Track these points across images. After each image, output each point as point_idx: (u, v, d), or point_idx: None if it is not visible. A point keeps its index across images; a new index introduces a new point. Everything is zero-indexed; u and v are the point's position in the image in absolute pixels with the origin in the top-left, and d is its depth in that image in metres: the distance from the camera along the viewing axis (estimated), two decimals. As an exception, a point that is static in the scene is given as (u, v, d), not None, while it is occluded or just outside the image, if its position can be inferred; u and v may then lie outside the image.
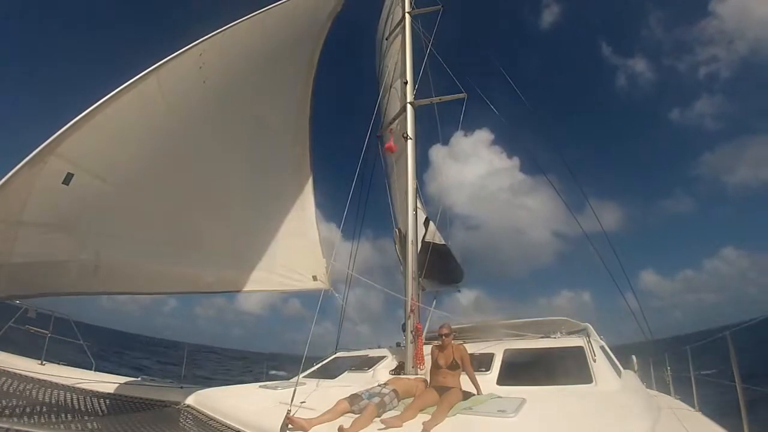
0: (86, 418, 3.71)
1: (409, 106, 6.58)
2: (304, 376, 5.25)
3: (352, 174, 5.60)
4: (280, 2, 4.78)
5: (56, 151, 3.03)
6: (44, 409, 3.62)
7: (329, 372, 5.72)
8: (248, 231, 5.50)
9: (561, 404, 3.43)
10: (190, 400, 4.39)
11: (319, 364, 6.15)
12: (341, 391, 3.81)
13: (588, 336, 4.70)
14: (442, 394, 3.58)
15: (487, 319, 6.48)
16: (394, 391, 3.71)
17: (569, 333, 5.17)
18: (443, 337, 4.19)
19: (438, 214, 7.49)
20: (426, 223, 7.36)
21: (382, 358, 5.64)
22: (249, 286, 5.54)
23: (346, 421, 3.15)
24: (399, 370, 5.19)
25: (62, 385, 4.59)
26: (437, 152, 9.60)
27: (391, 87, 7.55)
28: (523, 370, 4.33)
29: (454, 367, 4.00)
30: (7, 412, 3.32)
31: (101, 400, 4.32)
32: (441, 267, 7.30)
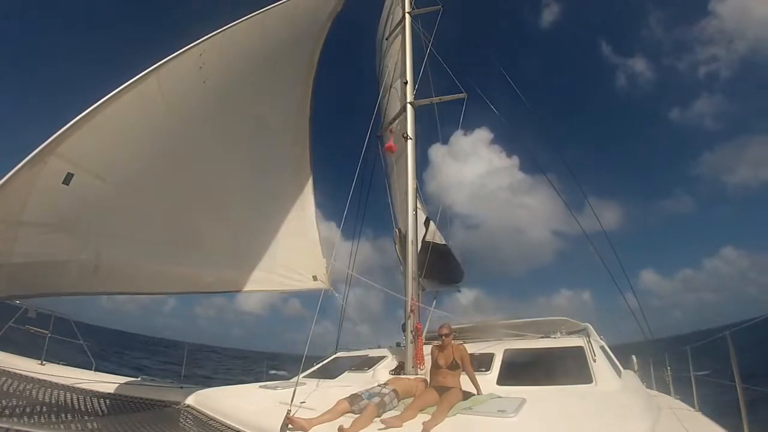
0: (86, 418, 3.71)
1: (409, 106, 6.58)
2: (304, 376, 5.25)
3: (352, 174, 5.61)
4: (280, 2, 4.78)
5: (56, 151, 3.04)
6: (44, 409, 3.62)
7: (329, 372, 5.72)
8: (248, 231, 5.49)
9: (561, 404, 3.43)
10: (190, 400, 4.39)
11: (319, 364, 6.15)
12: (341, 391, 3.81)
13: (588, 336, 4.70)
14: (442, 394, 3.58)
15: (487, 319, 6.48)
16: (394, 391, 3.71)
17: (569, 333, 5.17)
18: (443, 337, 4.19)
19: (438, 213, 7.50)
20: (426, 223, 7.37)
21: (382, 358, 5.64)
22: (249, 286, 5.54)
23: (346, 421, 3.15)
24: (399, 370, 5.19)
25: (62, 385, 4.59)
26: (437, 152, 9.61)
27: (391, 87, 7.55)
28: (523, 370, 4.32)
29: (454, 367, 4.00)
30: (7, 412, 3.32)
31: (101, 400, 4.32)
32: (441, 267, 7.30)
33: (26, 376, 4.61)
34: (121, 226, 3.94)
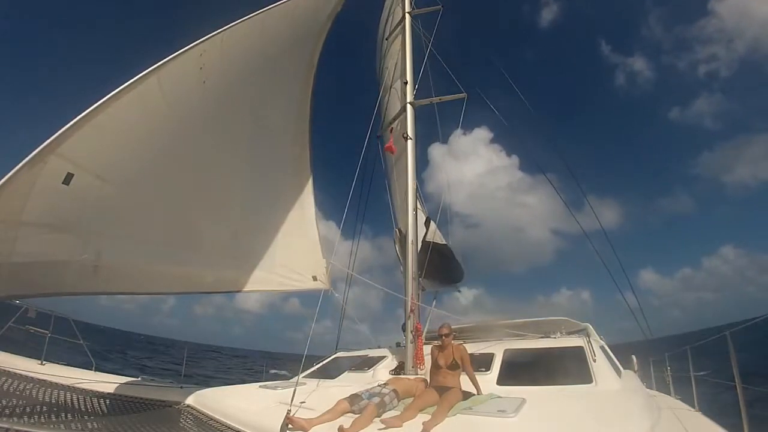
0: (86, 418, 3.71)
1: (409, 106, 6.59)
2: (304, 376, 5.25)
3: (352, 174, 5.62)
4: (280, 2, 4.78)
5: (56, 150, 3.03)
6: (44, 409, 3.62)
7: (329, 372, 5.72)
8: (248, 231, 5.49)
9: (561, 404, 3.43)
10: (190, 400, 4.39)
11: (319, 364, 6.15)
12: (341, 391, 3.81)
13: (588, 336, 4.70)
14: (442, 394, 3.58)
15: (487, 319, 6.48)
16: (394, 391, 3.71)
17: (569, 333, 5.17)
18: (443, 337, 4.19)
19: (438, 213, 7.50)
20: (427, 223, 7.37)
21: (382, 358, 5.64)
22: (249, 286, 5.55)
23: (346, 421, 3.16)
24: (399, 370, 5.19)
25: (62, 385, 4.59)
26: (437, 151, 9.62)
27: (391, 87, 7.55)
28: (523, 370, 4.32)
29: (454, 367, 4.00)
30: (7, 412, 3.31)
31: (101, 400, 4.32)
32: (441, 267, 7.30)
33: (26, 376, 4.61)
34: (121, 226, 3.94)
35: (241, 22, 4.27)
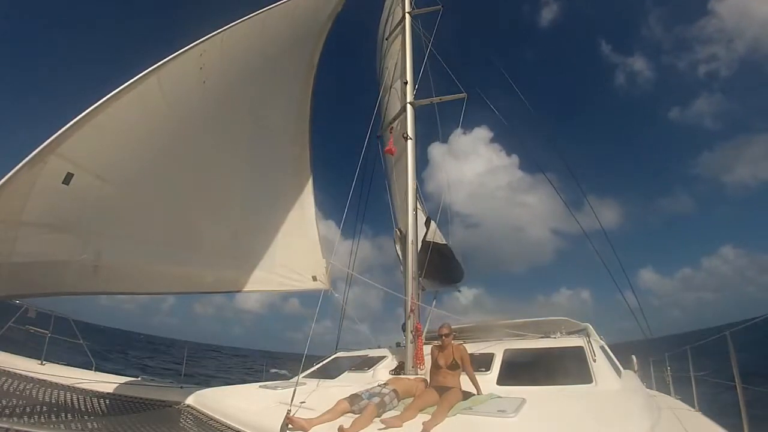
0: (86, 418, 3.71)
1: (409, 106, 6.59)
2: (304, 376, 5.25)
3: (352, 174, 5.62)
4: (280, 2, 4.78)
5: (56, 150, 3.03)
6: (44, 409, 3.62)
7: (329, 372, 5.72)
8: (248, 231, 5.49)
9: (561, 404, 3.43)
10: (190, 400, 4.39)
11: (319, 364, 6.15)
12: (341, 391, 3.81)
13: (588, 336, 4.70)
14: (442, 394, 3.58)
15: (487, 319, 6.48)
16: (394, 391, 3.71)
17: (569, 333, 5.17)
18: (443, 337, 4.19)
19: (438, 212, 7.50)
20: (427, 223, 7.37)
21: (382, 358, 5.64)
22: (249, 286, 5.55)
23: (346, 421, 3.16)
24: (399, 370, 5.19)
25: (62, 385, 4.59)
26: (437, 150, 9.62)
27: (391, 87, 7.55)
28: (523, 370, 4.32)
29: (454, 367, 4.00)
30: (7, 412, 3.31)
31: (101, 400, 4.32)
32: (441, 266, 7.30)
33: (26, 376, 4.61)
34: (121, 226, 3.94)
35: (241, 22, 4.27)
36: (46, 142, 2.96)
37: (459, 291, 8.37)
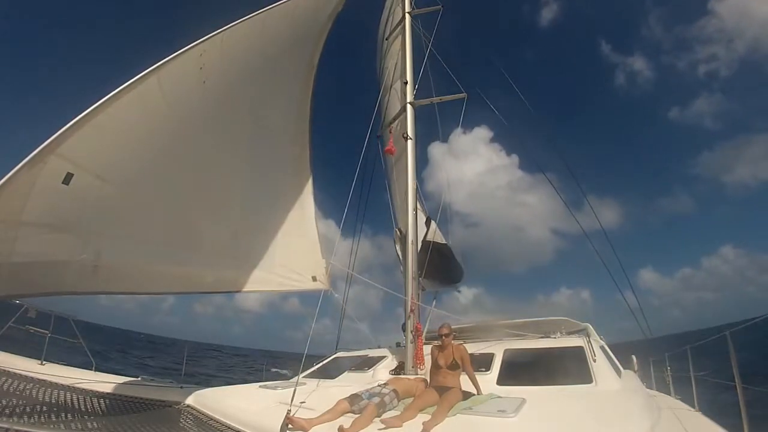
0: (86, 418, 3.71)
1: (409, 106, 6.59)
2: (304, 376, 5.25)
3: (352, 174, 5.62)
4: (280, 2, 4.78)
5: (56, 151, 3.03)
6: (44, 409, 3.62)
7: (329, 372, 5.72)
8: (248, 231, 5.49)
9: (561, 404, 3.43)
10: (190, 400, 4.40)
11: (319, 364, 6.15)
12: (341, 391, 3.81)
13: (588, 336, 4.70)
14: (442, 394, 3.58)
15: (487, 319, 6.49)
16: (394, 391, 3.71)
17: (569, 333, 5.17)
18: (443, 337, 4.19)
19: (438, 212, 7.51)
20: (427, 223, 7.37)
21: (382, 358, 5.64)
22: (248, 287, 5.55)
23: (346, 421, 3.16)
24: (399, 370, 5.19)
25: (62, 385, 4.59)
26: (437, 150, 9.62)
27: (391, 87, 7.55)
28: (523, 370, 4.32)
29: (454, 367, 4.00)
30: (7, 412, 3.31)
31: (101, 400, 4.32)
32: (441, 266, 7.30)
33: (26, 376, 4.61)
34: (121, 226, 3.94)
35: (241, 22, 4.27)
36: (46, 142, 2.96)
37: (459, 291, 8.38)
